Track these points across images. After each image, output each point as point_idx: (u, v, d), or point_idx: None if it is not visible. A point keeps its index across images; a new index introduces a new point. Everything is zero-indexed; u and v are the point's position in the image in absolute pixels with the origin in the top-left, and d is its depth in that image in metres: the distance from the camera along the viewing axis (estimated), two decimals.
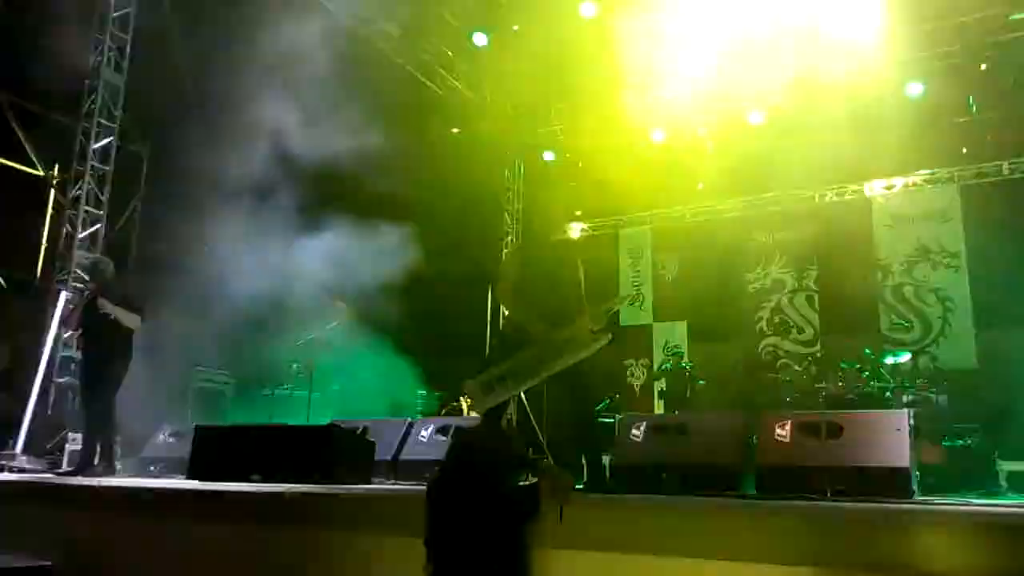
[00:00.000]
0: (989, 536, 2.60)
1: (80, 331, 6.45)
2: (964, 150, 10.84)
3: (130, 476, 6.19)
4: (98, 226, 8.58)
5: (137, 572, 4.21)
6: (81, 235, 8.39)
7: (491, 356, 4.77)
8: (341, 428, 5.32)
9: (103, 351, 6.13)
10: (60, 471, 6.14)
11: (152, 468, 6.55)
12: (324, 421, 6.75)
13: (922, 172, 11.71)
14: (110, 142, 8.73)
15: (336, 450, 4.89)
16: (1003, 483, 6.53)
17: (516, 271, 4.76)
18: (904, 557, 2.66)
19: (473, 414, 4.61)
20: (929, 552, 2.63)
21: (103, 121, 8.64)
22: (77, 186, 8.49)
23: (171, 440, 6.87)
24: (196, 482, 4.85)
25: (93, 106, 8.57)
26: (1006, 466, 6.74)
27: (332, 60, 8.58)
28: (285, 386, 9.43)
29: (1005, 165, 11.07)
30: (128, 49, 8.82)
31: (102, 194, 8.64)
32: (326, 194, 9.56)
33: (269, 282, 8.47)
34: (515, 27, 10.25)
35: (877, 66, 10.48)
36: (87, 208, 8.48)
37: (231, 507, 4.15)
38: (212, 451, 5.24)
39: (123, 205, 10.14)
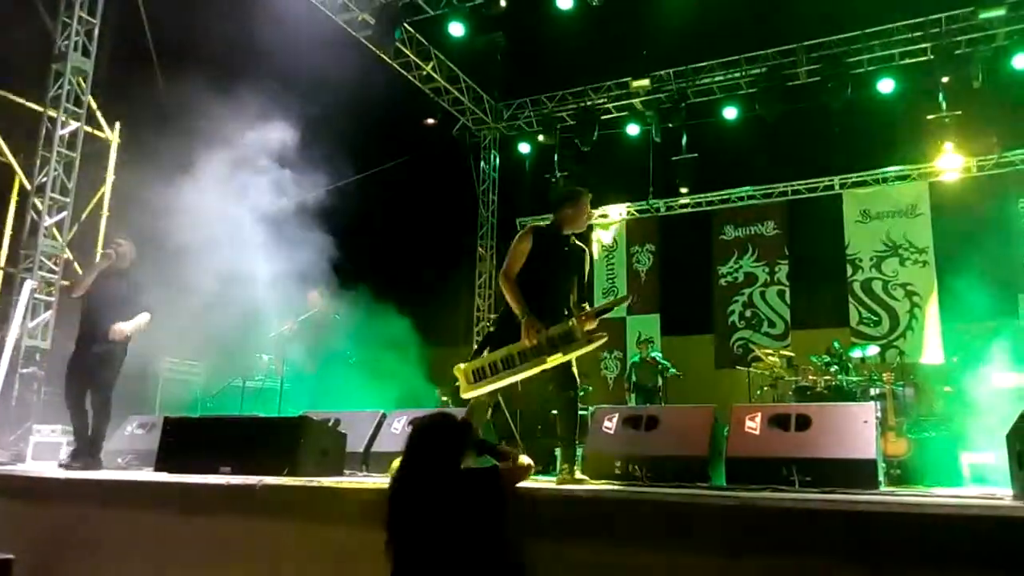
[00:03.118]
0: (950, 526, 2.65)
1: (83, 302, 6.11)
2: (934, 147, 11.01)
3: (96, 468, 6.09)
4: (64, 214, 8.41)
5: (103, 566, 4.15)
6: (47, 223, 8.22)
7: (484, 344, 4.68)
8: (313, 420, 5.27)
9: (102, 336, 5.87)
10: (63, 462, 5.95)
11: (119, 460, 6.44)
12: (296, 413, 6.71)
13: (892, 168, 11.90)
14: (77, 128, 8.55)
15: (308, 442, 4.85)
16: (966, 475, 6.66)
17: (520, 261, 4.67)
18: (869, 546, 2.70)
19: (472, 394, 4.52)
20: (893, 541, 2.67)
21: (70, 106, 8.46)
22: (43, 172, 8.31)
23: (139, 432, 6.77)
24: (164, 474, 4.79)
25: (60, 91, 8.39)
26: (968, 458, 6.88)
27: (306, 46, 8.48)
28: (257, 377, 9.35)
29: (973, 162, 11.28)
30: (96, 33, 8.63)
31: (69, 181, 8.47)
32: (300, 184, 9.48)
33: (242, 272, 8.36)
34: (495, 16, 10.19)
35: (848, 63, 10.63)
36: (53, 195, 8.31)
37: (200, 499, 4.10)
38: (181, 443, 5.16)
39: (91, 193, 9.96)
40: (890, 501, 3.46)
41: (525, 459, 3.26)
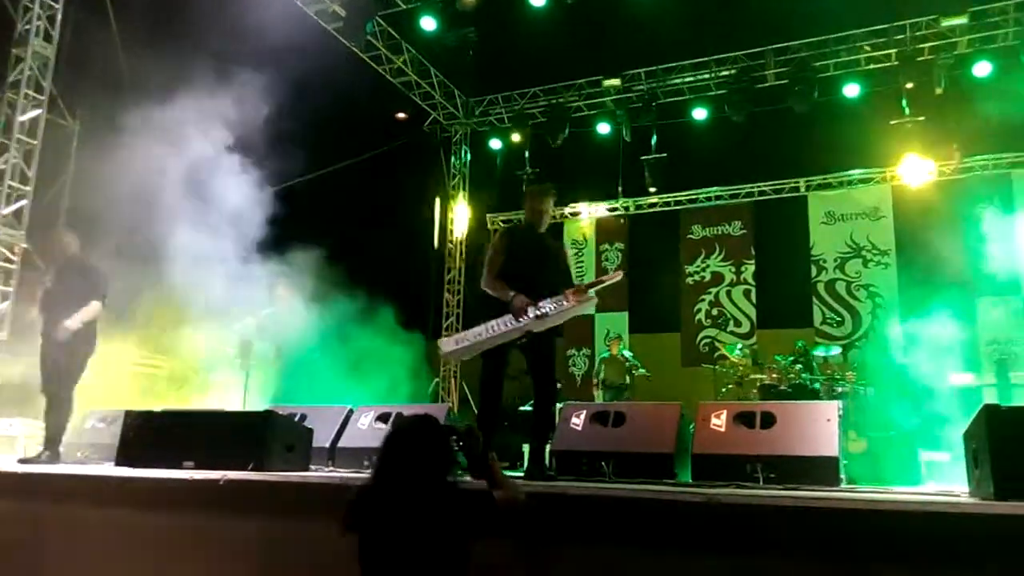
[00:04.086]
0: (909, 522, 2.71)
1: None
2: (897, 151, 11.24)
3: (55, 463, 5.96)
4: (24, 203, 8.22)
5: (61, 562, 4.07)
6: (5, 211, 8.02)
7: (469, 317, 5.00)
8: (278, 414, 5.22)
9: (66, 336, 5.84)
10: (22, 458, 5.83)
11: (78, 454, 6.31)
12: (262, 407, 6.63)
13: (856, 171, 12.11)
14: (38, 115, 8.36)
15: (273, 437, 4.80)
16: (923, 472, 6.82)
17: (496, 264, 4.83)
18: (830, 541, 2.75)
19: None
20: (854, 535, 2.73)
21: (31, 93, 8.26)
22: (2, 160, 8.10)
23: (99, 425, 6.63)
24: (125, 469, 4.70)
25: (20, 77, 8.18)
26: (926, 456, 7.03)
27: (276, 37, 8.37)
28: (222, 371, 9.21)
29: (934, 167, 11.52)
30: (59, 19, 8.44)
31: (29, 169, 8.27)
32: (267, 176, 9.36)
33: (206, 263, 8.24)
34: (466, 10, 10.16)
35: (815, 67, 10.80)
36: (12, 183, 8.11)
37: (163, 494, 4.04)
38: (142, 437, 5.08)
39: (51, 182, 9.73)
40: (851, 498, 3.53)
41: (521, 494, 2.82)
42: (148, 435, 5.07)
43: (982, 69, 10.42)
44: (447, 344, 4.80)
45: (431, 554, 2.44)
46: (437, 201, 13.94)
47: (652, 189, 12.60)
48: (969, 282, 10.61)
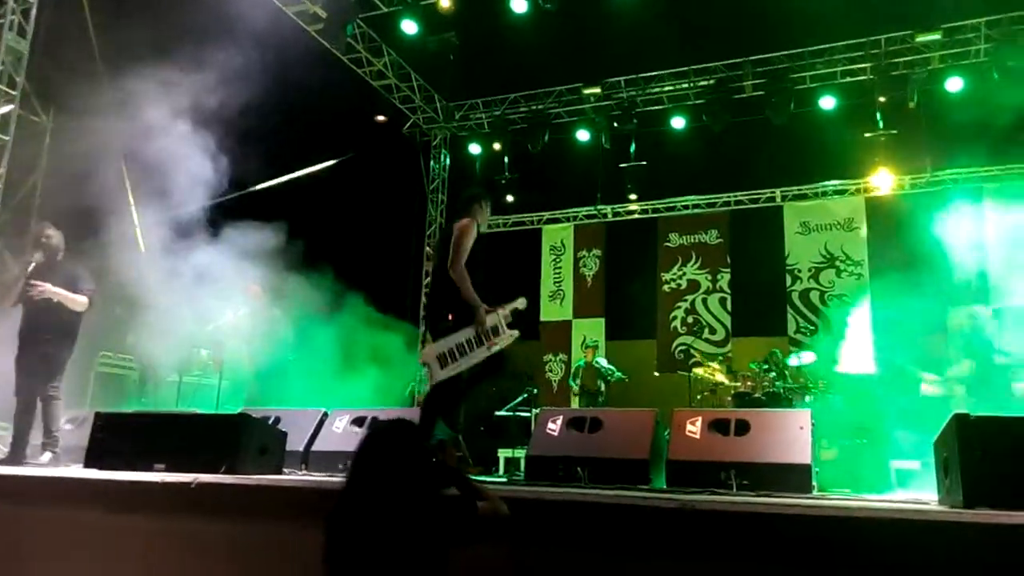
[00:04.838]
0: (880, 529, 2.74)
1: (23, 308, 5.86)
2: (870, 164, 11.41)
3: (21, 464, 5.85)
4: None
5: (27, 566, 3.99)
6: None
7: (442, 331, 4.89)
8: (252, 417, 5.17)
9: (46, 333, 5.73)
10: None
11: (44, 457, 6.19)
12: (235, 410, 6.56)
13: (831, 183, 12.27)
14: (11, 111, 8.21)
15: (246, 439, 4.75)
16: (894, 480, 6.90)
17: (474, 234, 4.93)
18: (803, 547, 2.78)
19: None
20: (825, 543, 2.76)
21: (3, 88, 8.12)
22: None
23: (67, 427, 6.52)
24: (94, 471, 4.63)
25: None
26: (896, 464, 7.12)
27: (251, 37, 8.31)
28: (194, 373, 9.11)
29: (907, 180, 11.71)
30: (33, 13, 8.31)
31: (1, 165, 8.12)
32: (245, 176, 9.29)
33: (179, 264, 8.14)
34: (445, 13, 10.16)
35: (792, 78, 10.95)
36: None
37: (133, 497, 3.98)
38: (113, 439, 5.00)
39: (23, 179, 9.56)
40: (823, 505, 3.57)
41: (503, 506, 2.70)
42: (118, 437, 5.00)
43: (954, 84, 10.62)
44: (438, 372, 4.73)
45: (407, 561, 2.37)
46: (417, 205, 13.91)
47: (633, 196, 12.68)
48: (940, 292, 10.78)
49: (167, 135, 8.13)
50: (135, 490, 4.01)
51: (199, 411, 7.79)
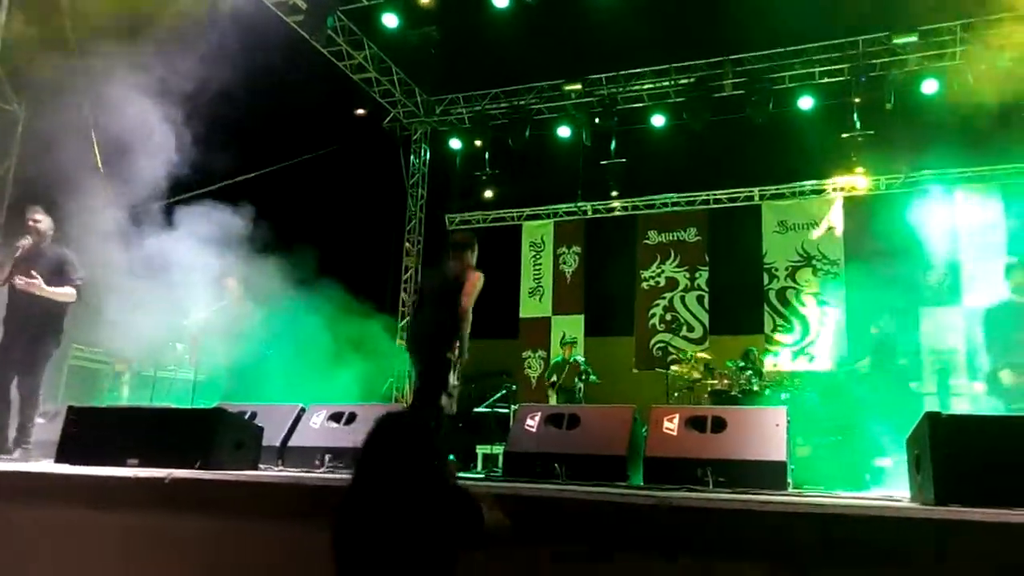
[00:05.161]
0: (853, 525, 2.77)
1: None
2: (847, 164, 11.53)
3: None
4: None
5: None
6: None
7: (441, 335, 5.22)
8: (227, 411, 5.12)
9: (31, 322, 5.61)
10: None
11: (14, 451, 6.09)
12: (211, 405, 6.49)
13: (808, 182, 12.38)
14: None
15: (221, 434, 4.70)
16: (867, 477, 6.99)
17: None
18: (777, 544, 2.80)
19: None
20: (800, 539, 2.78)
21: None
22: None
23: (39, 420, 6.41)
24: (66, 466, 4.56)
25: None
26: (870, 462, 7.21)
27: (229, 27, 8.21)
28: (170, 367, 9.00)
29: (882, 180, 11.85)
30: (6, 1, 8.15)
31: None
32: (218, 169, 9.18)
33: (153, 256, 8.03)
34: (426, 6, 10.11)
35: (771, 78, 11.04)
36: None
37: (105, 493, 3.92)
38: (85, 433, 4.93)
39: None
40: (797, 501, 3.60)
41: (505, 518, 2.71)
42: (90, 431, 4.93)
43: (930, 87, 10.76)
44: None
45: (415, 552, 2.32)
46: (397, 199, 13.84)
47: (614, 193, 12.72)
48: (913, 292, 10.94)
49: (140, 126, 8.01)
50: (108, 485, 3.95)
51: (173, 406, 7.70)
